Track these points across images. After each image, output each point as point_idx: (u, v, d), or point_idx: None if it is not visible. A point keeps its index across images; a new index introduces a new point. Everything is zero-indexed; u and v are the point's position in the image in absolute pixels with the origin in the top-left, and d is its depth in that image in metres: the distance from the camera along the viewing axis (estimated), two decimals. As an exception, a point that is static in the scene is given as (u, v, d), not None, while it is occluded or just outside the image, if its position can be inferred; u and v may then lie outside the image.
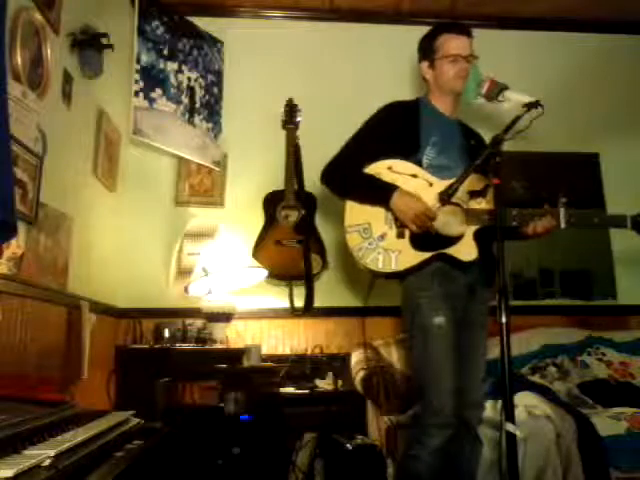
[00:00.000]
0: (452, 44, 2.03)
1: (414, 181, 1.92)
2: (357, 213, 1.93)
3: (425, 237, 1.88)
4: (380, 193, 1.91)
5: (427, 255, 1.88)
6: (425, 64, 2.09)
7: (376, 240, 1.89)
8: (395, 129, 1.98)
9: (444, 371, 1.78)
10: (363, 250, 1.88)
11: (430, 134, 1.99)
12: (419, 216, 1.84)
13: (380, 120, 2.03)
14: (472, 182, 1.94)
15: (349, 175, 1.99)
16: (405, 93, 2.55)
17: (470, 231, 1.91)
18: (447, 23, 2.14)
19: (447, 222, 1.91)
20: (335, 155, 2.02)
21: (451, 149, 2.02)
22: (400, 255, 1.87)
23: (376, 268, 1.87)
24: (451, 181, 1.80)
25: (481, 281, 1.94)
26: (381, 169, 1.94)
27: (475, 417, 1.88)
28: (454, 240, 1.90)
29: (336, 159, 2.03)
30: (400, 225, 1.89)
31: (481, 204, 1.95)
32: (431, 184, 1.93)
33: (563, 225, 1.97)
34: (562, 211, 1.98)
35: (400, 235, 1.90)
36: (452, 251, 1.90)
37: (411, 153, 1.96)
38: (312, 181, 2.99)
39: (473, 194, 1.96)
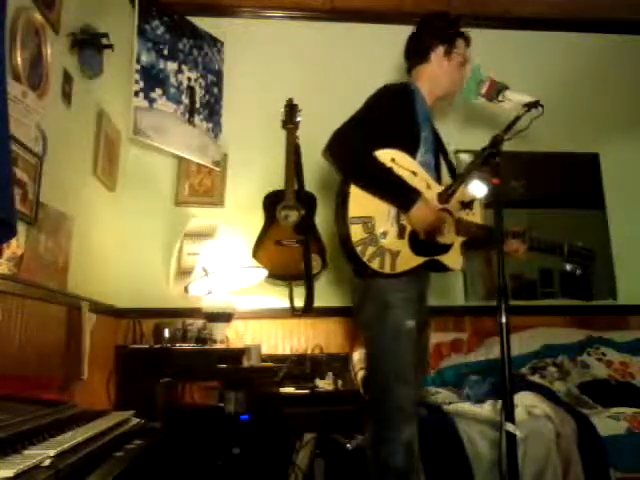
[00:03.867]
0: (464, 48, 2.03)
1: (414, 179, 1.85)
2: (362, 204, 1.80)
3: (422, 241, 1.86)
4: (403, 198, 1.81)
5: (422, 260, 1.86)
6: (441, 50, 1.99)
7: (378, 237, 1.79)
8: (398, 117, 1.89)
9: (411, 370, 1.79)
10: (365, 246, 1.78)
11: (423, 129, 1.94)
12: (434, 227, 1.83)
13: (385, 105, 1.91)
14: (461, 192, 1.95)
15: (366, 160, 1.81)
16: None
17: (458, 241, 1.95)
18: (464, 32, 2.06)
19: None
20: (343, 130, 1.85)
21: (432, 147, 2.00)
22: (399, 257, 1.81)
23: (376, 268, 1.78)
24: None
25: (428, 283, 2.02)
26: (385, 160, 1.81)
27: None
28: (444, 248, 1.91)
29: (346, 135, 1.85)
30: (401, 223, 1.83)
31: (469, 216, 1.98)
32: (429, 186, 1.90)
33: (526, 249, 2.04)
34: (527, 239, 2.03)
35: (400, 234, 1.83)
36: (443, 258, 1.92)
37: (411, 147, 1.89)
38: (312, 181, 3.00)
39: (463, 205, 1.98)
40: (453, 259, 1.94)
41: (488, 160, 1.68)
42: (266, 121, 3.10)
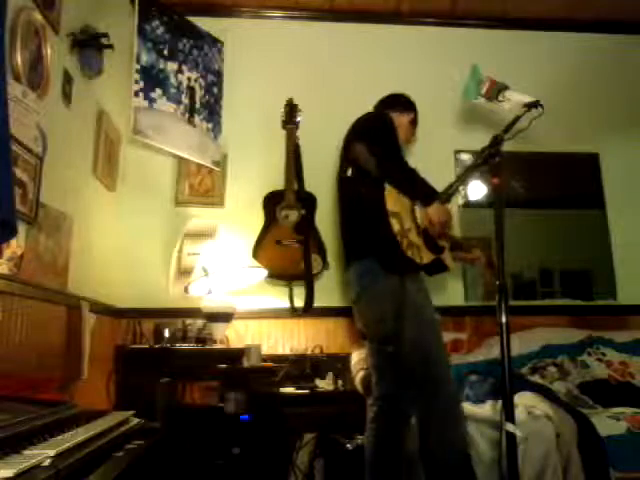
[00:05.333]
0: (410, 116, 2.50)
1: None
2: (394, 200, 2.03)
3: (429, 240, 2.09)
4: (429, 192, 2.07)
5: (434, 257, 2.08)
6: (404, 114, 2.46)
7: (406, 231, 2.01)
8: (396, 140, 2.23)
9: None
10: (402, 237, 1.98)
11: None
12: (448, 222, 2.07)
13: (392, 129, 2.24)
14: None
15: (404, 167, 2.11)
16: (405, 93, 2.56)
17: (448, 245, 2.25)
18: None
19: None
20: (384, 152, 2.12)
21: None
22: (419, 251, 2.02)
23: (413, 257, 1.98)
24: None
25: None
26: None
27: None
28: (442, 248, 2.17)
29: (389, 155, 2.13)
30: (416, 222, 2.07)
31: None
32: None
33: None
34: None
35: (418, 232, 2.06)
36: (443, 257, 2.17)
37: None
38: (312, 181, 3.00)
39: None
40: (448, 259, 2.22)
41: (488, 160, 1.68)
42: (266, 121, 3.10)
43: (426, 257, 2.05)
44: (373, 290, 2.02)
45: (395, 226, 1.97)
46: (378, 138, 2.15)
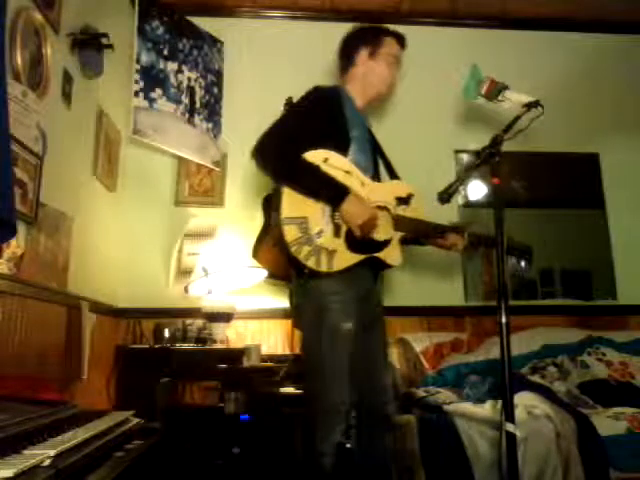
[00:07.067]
0: (395, 48, 2.09)
1: (348, 178, 1.88)
2: (295, 205, 1.82)
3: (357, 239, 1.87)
4: (332, 193, 1.83)
5: (361, 257, 1.88)
6: (365, 52, 2.07)
7: (314, 236, 1.81)
8: (327, 118, 1.94)
9: (345, 372, 1.79)
10: (300, 245, 1.79)
11: (353, 129, 1.97)
12: (367, 223, 1.83)
13: (313, 106, 1.96)
14: (397, 188, 2.04)
15: (293, 161, 1.84)
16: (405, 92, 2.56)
17: (397, 237, 1.98)
18: (393, 30, 2.14)
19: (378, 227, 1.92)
20: (270, 132, 1.90)
21: (366, 146, 2.04)
22: (336, 255, 1.83)
23: (313, 266, 1.79)
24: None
25: (373, 284, 2.01)
26: (317, 160, 1.85)
27: (381, 401, 1.94)
28: (381, 244, 1.94)
29: (274, 137, 1.90)
30: (336, 222, 1.85)
31: (406, 211, 2.02)
32: (363, 183, 1.93)
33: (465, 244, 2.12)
34: (465, 234, 2.12)
35: (336, 233, 1.85)
36: (382, 255, 1.94)
37: (342, 147, 1.92)
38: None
39: (400, 200, 2.02)
40: (392, 255, 1.97)
41: (488, 160, 1.68)
42: (266, 121, 3.07)
43: (346, 261, 1.83)
44: (295, 296, 1.97)
45: (290, 235, 1.78)
46: (275, 131, 1.89)
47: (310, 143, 1.85)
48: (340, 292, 1.83)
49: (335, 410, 1.78)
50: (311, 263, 1.79)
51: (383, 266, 1.99)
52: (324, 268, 1.80)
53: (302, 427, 1.88)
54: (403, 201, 2.01)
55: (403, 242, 2.04)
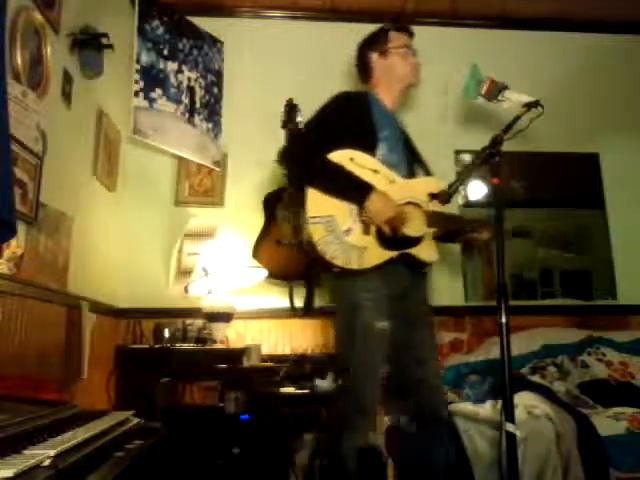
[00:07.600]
0: (402, 38, 2.11)
1: (375, 177, 1.88)
2: (321, 204, 1.81)
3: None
4: (356, 191, 1.83)
5: (394, 254, 1.87)
6: (375, 55, 2.09)
7: (342, 234, 1.80)
8: (353, 120, 1.95)
9: (377, 373, 1.79)
10: (327, 244, 1.77)
11: (381, 129, 1.98)
12: (393, 220, 1.82)
13: (339, 110, 1.97)
14: (429, 184, 2.01)
15: (317, 162, 1.86)
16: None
17: (430, 233, 1.96)
18: (394, 24, 2.16)
19: (409, 223, 1.91)
20: (296, 138, 1.97)
21: (398, 145, 2.04)
22: (366, 252, 1.82)
23: (341, 264, 1.78)
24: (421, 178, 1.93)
25: (411, 282, 1.98)
26: (344, 160, 1.86)
27: (437, 402, 1.92)
28: (414, 241, 1.92)
29: (299, 143, 1.96)
30: (363, 220, 1.84)
31: (437, 207, 1.99)
32: (392, 181, 1.92)
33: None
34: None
35: (366, 231, 1.84)
36: (415, 251, 1.92)
37: (369, 147, 1.93)
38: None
39: (433, 196, 1.99)
40: (426, 251, 1.96)
41: (488, 160, 1.68)
42: (266, 121, 3.09)
43: (377, 258, 1.82)
44: (330, 295, 1.99)
45: (316, 234, 1.76)
46: (300, 134, 1.95)
47: (336, 145, 1.86)
48: (372, 290, 1.82)
49: (361, 410, 1.77)
50: (339, 262, 1.78)
51: (419, 263, 1.96)
52: (355, 265, 1.79)
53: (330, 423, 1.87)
54: (436, 197, 1.98)
55: (441, 239, 2.03)
